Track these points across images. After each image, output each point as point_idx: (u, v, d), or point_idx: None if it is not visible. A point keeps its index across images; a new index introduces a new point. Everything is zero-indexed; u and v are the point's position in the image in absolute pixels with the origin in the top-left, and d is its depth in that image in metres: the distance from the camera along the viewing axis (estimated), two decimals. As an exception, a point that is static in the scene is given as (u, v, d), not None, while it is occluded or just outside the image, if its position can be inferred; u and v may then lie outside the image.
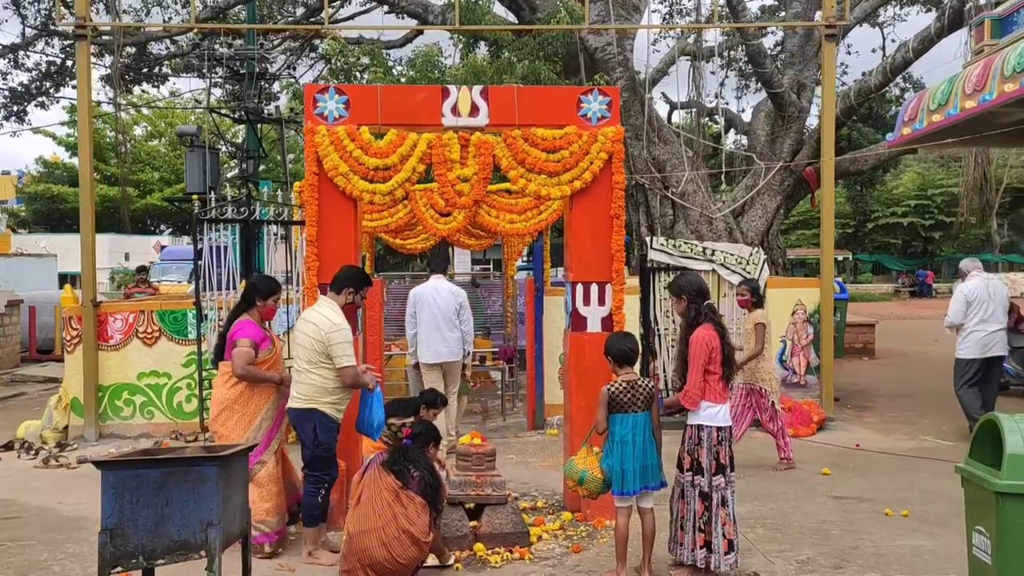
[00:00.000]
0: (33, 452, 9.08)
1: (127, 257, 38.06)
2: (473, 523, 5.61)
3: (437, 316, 8.45)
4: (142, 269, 13.13)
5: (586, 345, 6.27)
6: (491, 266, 27.27)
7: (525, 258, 20.48)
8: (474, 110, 6.19)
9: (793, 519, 6.25)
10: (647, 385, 5.01)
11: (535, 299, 10.01)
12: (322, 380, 5.32)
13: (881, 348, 17.92)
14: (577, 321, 6.32)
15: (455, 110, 6.17)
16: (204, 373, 8.03)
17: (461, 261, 25.81)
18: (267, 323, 5.86)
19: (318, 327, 5.31)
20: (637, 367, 5.21)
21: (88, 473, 8.25)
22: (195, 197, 8.41)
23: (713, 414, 4.91)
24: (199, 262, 8.34)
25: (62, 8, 10.10)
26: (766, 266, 10.11)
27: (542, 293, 10.00)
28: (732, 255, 10.06)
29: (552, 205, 9.91)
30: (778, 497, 6.84)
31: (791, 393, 9.92)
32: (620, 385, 4.96)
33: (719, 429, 4.91)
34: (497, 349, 12.90)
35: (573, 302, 6.32)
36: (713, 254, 10.04)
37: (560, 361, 10.16)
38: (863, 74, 16.48)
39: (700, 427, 4.92)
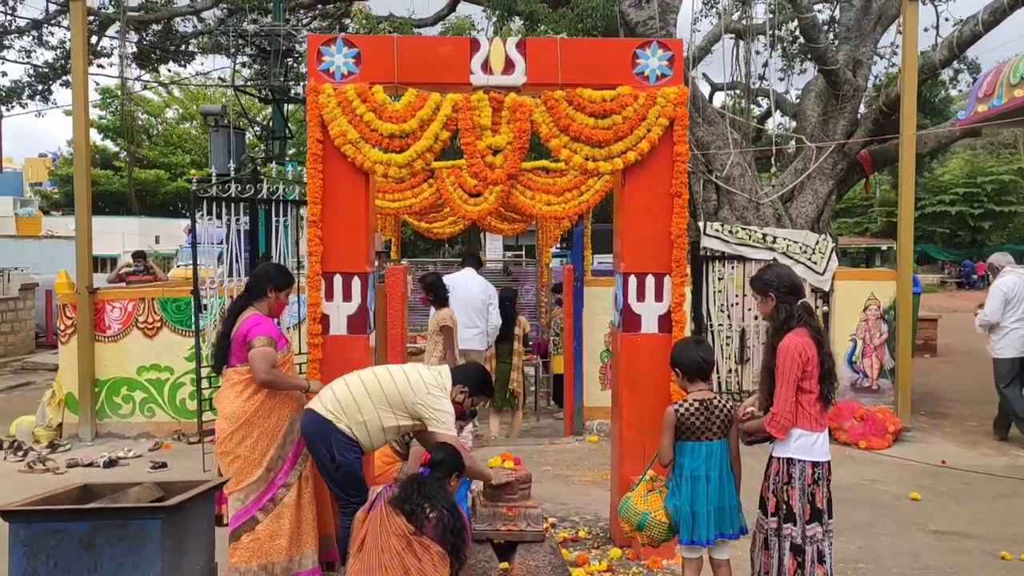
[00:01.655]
0: (22, 453, 8.25)
1: (157, 240, 37.68)
2: (503, 564, 4.62)
3: (468, 305, 8.18)
4: (139, 255, 12.22)
5: (640, 349, 5.25)
6: (523, 253, 26.33)
7: (559, 245, 19.45)
8: (509, 66, 5.16)
9: (889, 562, 5.19)
10: (725, 406, 3.98)
11: (573, 290, 8.99)
12: (380, 421, 4.52)
13: (942, 344, 16.68)
14: (629, 319, 5.29)
15: (486, 66, 5.15)
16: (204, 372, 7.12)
17: (493, 247, 24.88)
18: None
19: (409, 381, 4.52)
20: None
21: (77, 481, 7.42)
22: (193, 172, 7.48)
23: (807, 445, 3.86)
24: (199, 244, 7.41)
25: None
26: (834, 256, 9.00)
27: (582, 283, 8.98)
28: (796, 243, 8.96)
29: (595, 185, 8.92)
30: (865, 530, 5.78)
31: (862, 399, 8.82)
32: (691, 405, 3.94)
33: (815, 464, 3.86)
34: (530, 343, 11.94)
35: (624, 297, 5.30)
36: (774, 242, 8.95)
37: (601, 359, 9.17)
38: (931, 48, 15.25)
39: (790, 461, 3.87)
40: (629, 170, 5.23)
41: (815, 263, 8.89)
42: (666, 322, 5.27)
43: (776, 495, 3.90)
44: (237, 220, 7.58)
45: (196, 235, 7.33)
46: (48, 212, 42.83)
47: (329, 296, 5.20)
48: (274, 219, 7.82)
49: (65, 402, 8.93)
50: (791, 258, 8.87)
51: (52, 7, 19.68)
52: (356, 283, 5.21)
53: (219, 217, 7.48)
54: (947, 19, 20.30)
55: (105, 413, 8.96)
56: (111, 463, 7.85)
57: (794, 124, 17.20)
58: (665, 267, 5.26)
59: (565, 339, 9.24)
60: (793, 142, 15.86)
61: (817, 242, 8.97)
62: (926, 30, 21.02)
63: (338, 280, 5.20)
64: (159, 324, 8.92)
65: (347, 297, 5.21)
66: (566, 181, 8.78)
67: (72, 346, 8.88)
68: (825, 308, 8.95)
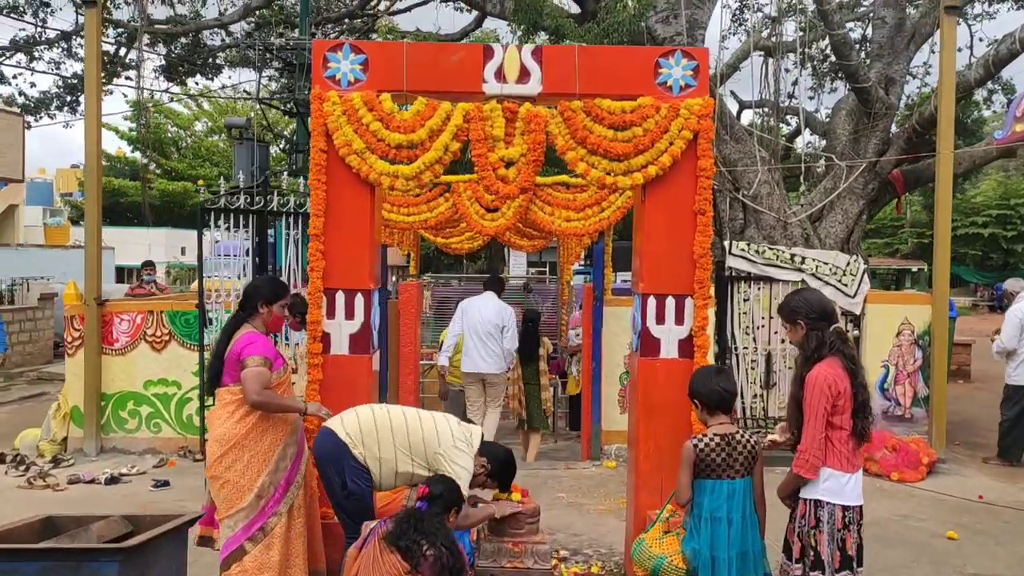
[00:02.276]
0: (24, 467, 8.06)
1: (183, 251, 37.87)
2: (508, 604, 4.32)
3: (479, 328, 8.15)
4: (148, 264, 12.03)
5: (659, 375, 4.94)
6: (547, 269, 26.01)
7: (582, 261, 19.15)
8: (524, 75, 4.89)
9: (925, 610, 4.82)
10: (749, 441, 3.67)
11: (593, 309, 8.69)
12: (396, 464, 4.29)
13: (976, 369, 16.15)
14: (647, 343, 4.98)
15: (500, 74, 4.88)
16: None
17: (516, 263, 24.61)
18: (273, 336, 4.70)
19: (436, 429, 4.34)
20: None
21: (75, 499, 7.22)
22: (201, 182, 7.30)
23: (838, 486, 3.53)
24: (205, 256, 7.21)
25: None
26: (866, 278, 8.64)
27: (601, 302, 8.68)
28: (826, 264, 8.61)
29: (616, 201, 8.63)
30: (898, 572, 5.41)
31: (894, 428, 8.42)
32: (711, 440, 3.63)
33: (845, 508, 3.53)
34: (549, 364, 11.63)
35: (643, 319, 4.99)
36: (803, 263, 8.60)
37: (620, 382, 8.85)
38: (965, 67, 14.86)
39: (818, 503, 3.54)
40: (650, 185, 4.93)
41: (846, 285, 8.53)
42: (687, 347, 4.95)
43: (802, 540, 3.57)
44: (246, 232, 7.39)
45: (202, 247, 7.13)
46: (77, 222, 43.22)
47: (331, 314, 4.95)
48: (284, 232, 7.62)
49: (71, 416, 8.75)
50: (821, 279, 8.52)
51: (81, 19, 19.77)
52: (359, 300, 4.95)
53: (228, 229, 7.30)
54: (980, 39, 19.78)
55: (111, 428, 8.77)
56: (113, 480, 7.63)
57: (823, 143, 16.87)
58: (687, 288, 4.95)
59: (583, 360, 8.94)
60: (823, 160, 15.54)
61: (848, 263, 8.61)
62: (959, 50, 20.57)
63: (340, 297, 4.94)
64: (167, 338, 8.72)
65: (349, 315, 4.95)
66: (586, 197, 8.50)
67: (79, 359, 8.70)
68: (856, 332, 8.58)
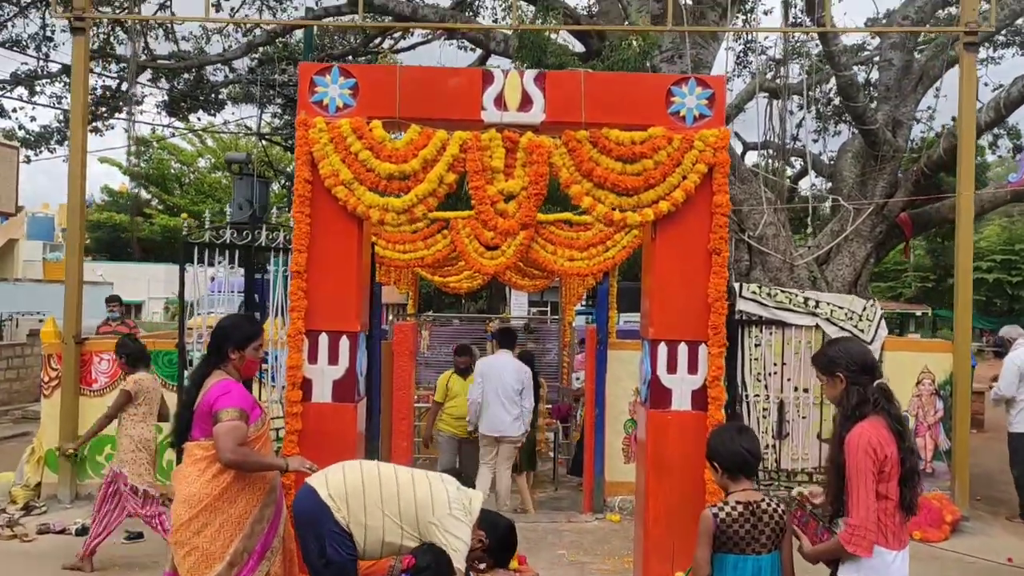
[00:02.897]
0: (-8, 515, 7.60)
1: (215, 284, 37.56)
2: None
3: (499, 391, 7.88)
4: (114, 299, 11.51)
5: (670, 428, 4.53)
6: (548, 309, 25.68)
7: (584, 302, 18.78)
8: (526, 102, 4.55)
9: None
10: (776, 510, 3.23)
11: (596, 352, 8.27)
12: (383, 533, 3.84)
13: (989, 418, 15.66)
14: (658, 394, 4.58)
15: (500, 101, 4.54)
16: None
17: (517, 303, 24.28)
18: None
19: (431, 493, 3.86)
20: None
21: (43, 550, 6.77)
22: (184, 215, 6.95)
23: (883, 565, 3.07)
24: (188, 293, 6.83)
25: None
26: (883, 324, 8.23)
27: (605, 345, 8.26)
28: (841, 308, 8.20)
29: (622, 240, 8.26)
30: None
31: (914, 483, 7.94)
32: (733, 509, 3.19)
33: (890, 588, 3.08)
34: (551, 405, 11.21)
35: (653, 367, 4.59)
36: (817, 306, 8.20)
37: (625, 430, 8.42)
38: (977, 111, 14.63)
39: (861, 584, 3.08)
40: (661, 222, 4.56)
41: (862, 331, 8.12)
42: (701, 398, 4.55)
43: (839, 626, 3.12)
44: (231, 268, 7.02)
45: (183, 283, 6.75)
46: (80, 257, 42.80)
47: (313, 358, 4.55)
48: (274, 269, 7.25)
49: (45, 460, 8.29)
50: (835, 324, 8.12)
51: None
52: (344, 344, 4.56)
53: (211, 265, 6.93)
54: (986, 83, 19.60)
55: (86, 473, 8.31)
56: (84, 531, 7.13)
57: (828, 185, 16.62)
58: (700, 334, 4.55)
59: (586, 406, 8.51)
60: (828, 202, 15.29)
61: (864, 308, 8.21)
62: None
63: (323, 340, 4.55)
64: (149, 378, 8.29)
65: (333, 359, 4.56)
66: (590, 235, 8.15)
67: (55, 400, 8.27)
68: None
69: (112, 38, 19.00)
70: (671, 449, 4.51)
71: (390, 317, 14.11)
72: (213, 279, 7.33)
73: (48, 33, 19.67)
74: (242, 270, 7.09)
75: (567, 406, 11.27)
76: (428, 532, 3.75)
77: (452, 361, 8.70)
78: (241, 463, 3.83)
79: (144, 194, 43.06)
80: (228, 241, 7.06)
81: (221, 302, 7.34)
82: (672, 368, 4.57)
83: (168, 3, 19.33)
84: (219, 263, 6.98)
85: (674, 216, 4.54)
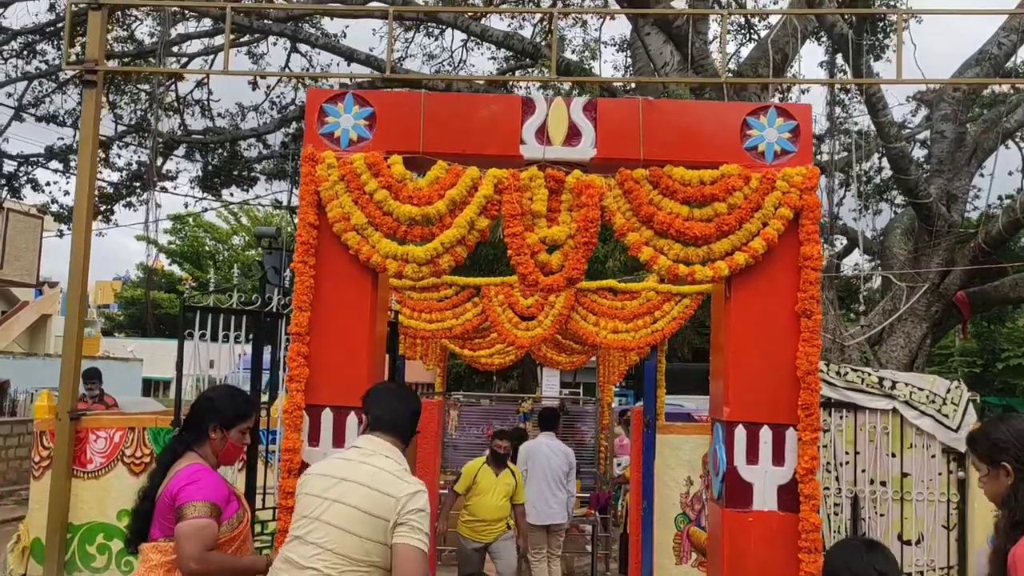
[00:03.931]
0: (-32, 612, 6.78)
1: (212, 364, 37.27)
2: None
3: (548, 475, 7.77)
4: (92, 374, 10.69)
5: (752, 533, 3.64)
6: (581, 390, 24.76)
7: (619, 383, 17.88)
8: (573, 135, 3.83)
9: None
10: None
11: (643, 436, 7.40)
12: None
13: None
14: (736, 489, 3.70)
15: (543, 134, 3.82)
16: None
17: (549, 384, 23.49)
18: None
19: (382, 493, 2.86)
20: None
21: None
22: (185, 276, 6.27)
23: None
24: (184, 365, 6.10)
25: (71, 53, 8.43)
26: (971, 408, 7.28)
27: (653, 429, 7.39)
28: (921, 390, 7.27)
29: (672, 311, 7.46)
30: None
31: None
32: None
33: None
34: (588, 493, 10.29)
35: (729, 456, 3.73)
36: (894, 388, 7.27)
37: (677, 525, 7.45)
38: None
39: None
40: (737, 278, 3.76)
41: (946, 416, 7.17)
42: (790, 495, 3.67)
43: None
44: (237, 337, 6.30)
45: (182, 352, 6.02)
46: (112, 334, 43.12)
47: (314, 439, 3.76)
48: (283, 337, 6.51)
49: (31, 549, 7.47)
50: (915, 408, 7.19)
51: (120, 128, 19.60)
52: (352, 422, 3.76)
53: (214, 339, 6.22)
54: None
55: (75, 565, 7.44)
56: (61, 634, 6.31)
57: (876, 263, 15.93)
58: (787, 416, 3.70)
59: (632, 497, 7.59)
60: (878, 280, 14.52)
61: (948, 390, 7.27)
62: (1010, 174, 19.67)
63: (327, 417, 3.76)
64: (148, 459, 7.47)
65: (339, 441, 3.76)
66: (636, 305, 7.36)
67: (45, 481, 7.49)
68: (962, 474, 7.16)
69: (149, 114, 18.97)
70: (752, 559, 3.62)
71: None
72: (242, 355, 6.61)
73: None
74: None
75: (606, 494, 10.34)
76: (397, 530, 2.84)
77: (487, 445, 7.98)
78: (206, 570, 3.02)
79: (177, 271, 43.20)
80: (234, 306, 6.36)
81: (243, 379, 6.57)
82: (753, 457, 3.70)
83: (206, 81, 19.30)
84: (223, 331, 6.27)
85: (753, 270, 3.74)
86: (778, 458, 3.69)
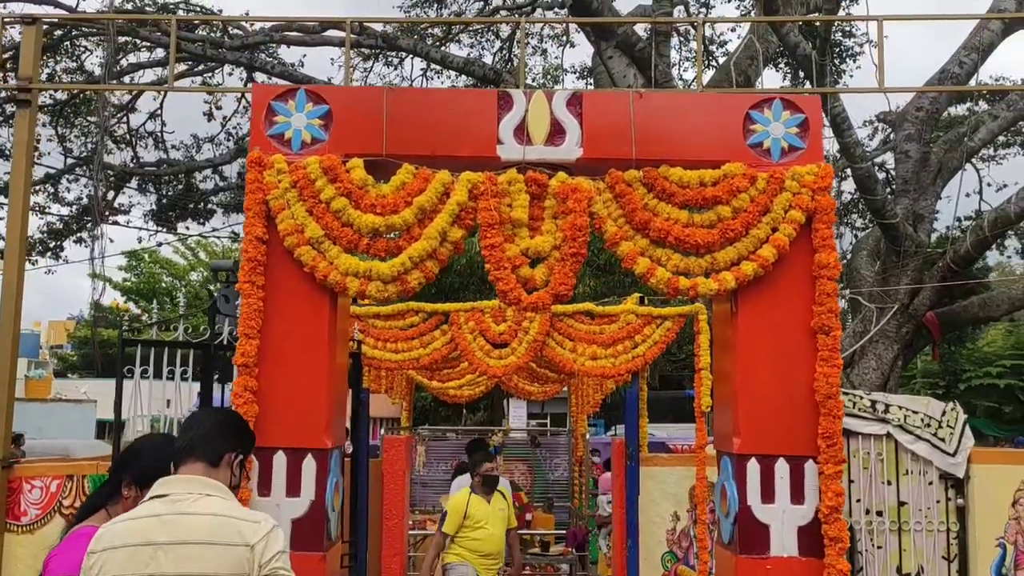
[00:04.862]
0: None
1: (168, 404, 36.30)
2: None
3: None
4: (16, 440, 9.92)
5: (771, 582, 3.18)
6: (548, 422, 24.33)
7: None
8: (556, 133, 3.40)
9: None
10: None
11: (626, 470, 6.94)
12: None
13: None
14: (749, 531, 3.25)
15: (522, 132, 3.39)
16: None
17: (516, 415, 23.01)
18: None
19: (232, 546, 2.25)
20: None
21: None
22: (123, 307, 5.71)
23: None
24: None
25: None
26: (968, 431, 6.93)
27: (636, 461, 6.94)
28: (916, 413, 6.86)
29: (653, 334, 7.04)
30: None
31: (1022, 628, 6.49)
32: None
33: None
34: (564, 531, 9.80)
35: (741, 494, 3.28)
36: (887, 411, 6.87)
37: (664, 564, 6.98)
38: (1007, 202, 13.83)
39: None
40: (745, 291, 3.34)
41: (943, 440, 6.79)
42: (812, 538, 3.23)
43: None
44: (184, 373, 5.74)
45: (120, 391, 5.45)
46: (65, 375, 41.87)
47: (264, 487, 3.24)
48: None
49: (-44, 612, 6.78)
50: (910, 432, 6.79)
51: (70, 161, 18.95)
52: (309, 466, 3.25)
53: (157, 375, 5.66)
54: (989, 184, 19.12)
55: (5, 630, 6.78)
56: None
57: (841, 285, 15.81)
58: (807, 446, 3.28)
59: (615, 534, 7.10)
60: (845, 302, 14.38)
61: (944, 412, 6.90)
62: (968, 195, 19.81)
63: (280, 461, 3.25)
64: (88, 508, 6.89)
65: (293, 489, 3.24)
66: (616, 329, 6.92)
67: (-27, 537, 6.83)
68: (960, 501, 6.78)
69: (104, 149, 18.34)
70: (773, 614, 3.15)
71: (381, 431, 12.72)
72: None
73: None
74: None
75: (582, 529, 9.83)
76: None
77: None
78: None
79: (134, 308, 42.07)
80: (180, 338, 5.82)
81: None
82: (768, 495, 3.26)
83: (159, 112, 18.72)
84: (168, 367, 5.71)
85: (763, 282, 3.32)
86: (797, 495, 3.25)
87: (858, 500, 6.79)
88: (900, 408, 7.00)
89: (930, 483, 6.87)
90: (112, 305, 45.74)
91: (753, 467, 3.27)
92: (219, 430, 2.44)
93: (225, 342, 5.93)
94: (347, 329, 3.77)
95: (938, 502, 6.90)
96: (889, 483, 6.88)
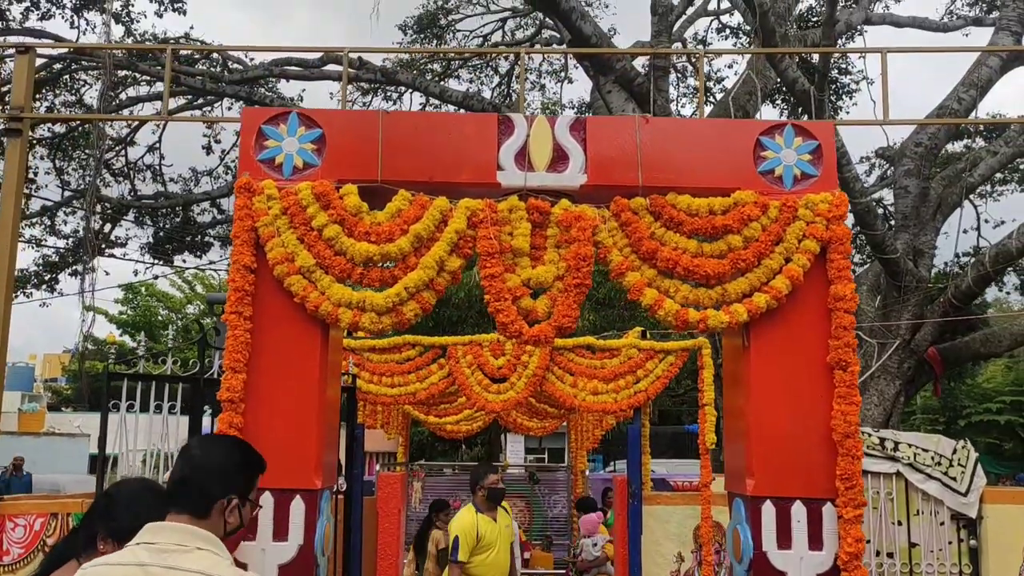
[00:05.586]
0: None
1: (163, 438, 36.04)
2: None
3: None
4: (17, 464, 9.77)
5: (788, 635, 2.98)
6: (546, 458, 24.00)
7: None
8: (560, 159, 3.26)
9: None
10: None
11: (629, 508, 6.73)
12: None
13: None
14: (764, 579, 3.06)
15: (523, 158, 3.25)
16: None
17: (513, 451, 22.74)
18: None
19: None
20: None
21: None
22: (109, 335, 5.59)
23: None
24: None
25: None
26: (980, 470, 6.74)
27: (639, 500, 6.73)
28: (926, 451, 6.72)
29: (656, 369, 6.89)
30: None
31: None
32: None
33: None
34: (562, 572, 9.56)
35: (756, 539, 3.09)
36: (896, 449, 6.72)
37: (667, 608, 6.73)
38: (1008, 237, 13.75)
39: None
40: (757, 324, 3.18)
41: (954, 479, 6.63)
42: (832, 585, 3.03)
43: None
44: (172, 407, 5.57)
45: (105, 425, 5.28)
46: (59, 408, 41.56)
47: (249, 531, 3.04)
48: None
49: (-67, 658, 6.54)
50: (921, 471, 6.63)
51: (67, 194, 18.87)
52: (297, 508, 3.07)
53: (144, 409, 5.49)
54: (987, 220, 19.02)
55: (-17, 676, 6.52)
56: None
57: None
58: (825, 488, 3.09)
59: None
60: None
61: (955, 451, 6.74)
62: (965, 232, 19.76)
63: (267, 502, 3.06)
64: (73, 548, 6.66)
65: (281, 533, 3.05)
66: (617, 364, 6.76)
67: (-48, 578, 6.60)
68: (973, 542, 6.58)
69: (100, 181, 18.28)
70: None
71: (377, 467, 12.48)
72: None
73: (30, 175, 18.87)
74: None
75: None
76: None
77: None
78: None
79: (129, 342, 41.83)
80: (169, 372, 5.65)
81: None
82: (785, 540, 3.07)
83: (158, 146, 18.67)
84: (155, 401, 5.53)
85: (776, 314, 3.16)
86: (815, 540, 3.07)
87: (868, 541, 6.58)
88: (910, 446, 6.83)
89: (942, 523, 6.67)
90: (108, 338, 45.47)
91: (768, 510, 3.09)
92: (209, 474, 2.14)
93: (215, 376, 5.75)
94: (339, 362, 3.61)
95: (950, 543, 6.68)
96: (900, 523, 6.67)
